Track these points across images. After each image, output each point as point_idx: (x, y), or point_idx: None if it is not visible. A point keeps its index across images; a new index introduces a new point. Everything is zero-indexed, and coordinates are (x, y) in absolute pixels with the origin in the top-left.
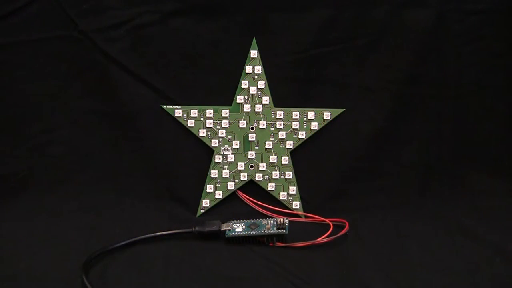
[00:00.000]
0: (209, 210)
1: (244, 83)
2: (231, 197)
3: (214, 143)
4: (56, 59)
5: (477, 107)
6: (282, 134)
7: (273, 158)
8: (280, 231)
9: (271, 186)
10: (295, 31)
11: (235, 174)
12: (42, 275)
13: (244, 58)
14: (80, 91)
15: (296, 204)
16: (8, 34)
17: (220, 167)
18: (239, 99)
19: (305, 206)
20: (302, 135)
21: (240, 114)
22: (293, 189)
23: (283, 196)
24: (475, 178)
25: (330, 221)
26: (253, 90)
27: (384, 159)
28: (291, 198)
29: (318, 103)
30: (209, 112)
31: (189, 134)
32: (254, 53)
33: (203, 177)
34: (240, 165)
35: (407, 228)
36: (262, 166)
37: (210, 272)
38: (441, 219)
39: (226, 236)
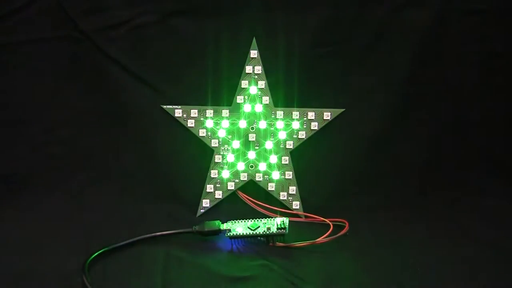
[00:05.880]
0: (209, 210)
1: (244, 83)
2: (231, 197)
3: (214, 143)
4: (56, 59)
5: (477, 107)
6: (282, 134)
7: (273, 158)
8: (280, 231)
9: (271, 186)
10: (295, 31)
11: (235, 174)
12: (42, 275)
13: (244, 58)
14: (80, 91)
15: (296, 204)
16: (8, 34)
17: (220, 167)
18: (239, 99)
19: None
20: (302, 135)
21: (240, 114)
22: (293, 189)
23: (283, 196)
24: (475, 178)
25: (330, 221)
26: (253, 90)
27: (384, 159)
28: (291, 198)
29: (318, 103)
30: (209, 112)
31: (189, 134)
32: (254, 53)
33: (203, 177)
34: (240, 165)
35: (407, 228)
36: (262, 166)
37: (210, 272)
38: (441, 219)
39: (226, 236)
